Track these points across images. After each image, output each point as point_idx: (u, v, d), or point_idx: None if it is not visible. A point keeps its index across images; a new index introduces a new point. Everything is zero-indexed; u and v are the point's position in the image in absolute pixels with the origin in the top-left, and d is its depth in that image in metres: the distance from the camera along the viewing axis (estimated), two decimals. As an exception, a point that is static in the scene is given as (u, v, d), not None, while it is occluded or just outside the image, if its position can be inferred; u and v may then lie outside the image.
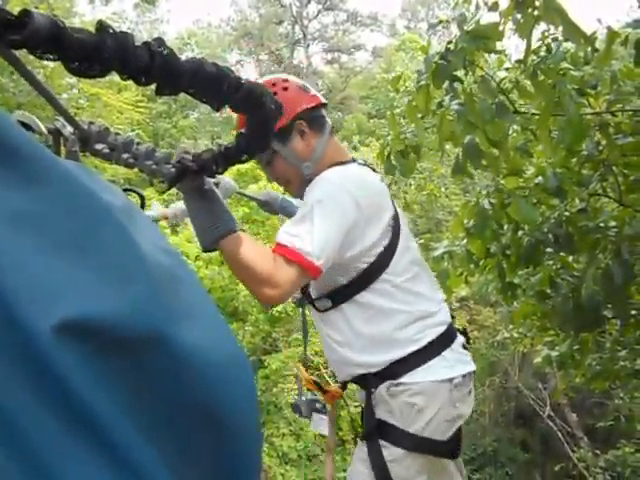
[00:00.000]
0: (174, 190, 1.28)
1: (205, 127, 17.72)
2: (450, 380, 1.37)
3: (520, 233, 2.55)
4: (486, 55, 2.22)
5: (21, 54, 0.66)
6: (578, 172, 2.44)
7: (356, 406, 3.91)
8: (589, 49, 2.07)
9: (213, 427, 0.53)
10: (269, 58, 24.04)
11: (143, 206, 1.27)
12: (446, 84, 2.19)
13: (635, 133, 2.20)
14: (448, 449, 1.39)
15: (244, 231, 1.31)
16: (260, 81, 1.40)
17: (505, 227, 2.62)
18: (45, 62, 6.42)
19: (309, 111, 1.48)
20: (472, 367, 1.46)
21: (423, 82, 2.21)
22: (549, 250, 2.56)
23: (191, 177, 1.22)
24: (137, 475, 0.43)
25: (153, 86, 0.69)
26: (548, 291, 2.66)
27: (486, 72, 2.20)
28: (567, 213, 2.45)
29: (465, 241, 2.72)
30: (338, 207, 1.32)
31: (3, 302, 0.40)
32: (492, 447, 8.62)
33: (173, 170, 1.22)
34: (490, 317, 8.47)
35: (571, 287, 2.50)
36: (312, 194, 1.35)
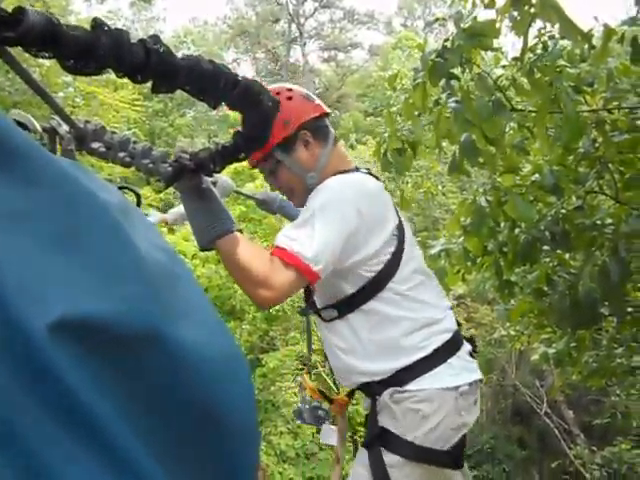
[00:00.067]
0: (171, 189, 1.27)
1: (202, 125, 17.68)
2: (456, 388, 1.36)
3: (517, 231, 2.56)
4: (483, 53, 2.22)
5: (17, 52, 0.65)
6: (574, 170, 2.45)
7: (354, 404, 3.92)
8: (586, 47, 2.07)
9: (211, 426, 0.52)
10: (266, 56, 24.03)
11: (139, 204, 1.27)
12: (443, 82, 2.19)
13: (631, 130, 2.21)
14: (450, 459, 1.38)
15: (241, 231, 1.31)
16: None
17: (502, 225, 2.62)
18: (41, 60, 6.40)
19: (313, 121, 1.47)
20: (478, 375, 1.45)
21: (420, 80, 2.20)
22: (546, 248, 2.57)
23: (188, 176, 1.21)
24: (137, 476, 0.43)
25: (149, 84, 0.69)
26: (545, 289, 2.66)
27: (483, 70, 2.20)
28: (564, 211, 2.45)
29: (462, 239, 2.72)
30: (339, 213, 1.32)
31: (0, 301, 0.40)
32: (489, 444, 8.64)
33: (170, 169, 1.21)
34: (487, 315, 8.48)
35: (568, 285, 2.50)
36: (314, 200, 1.35)
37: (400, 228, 1.45)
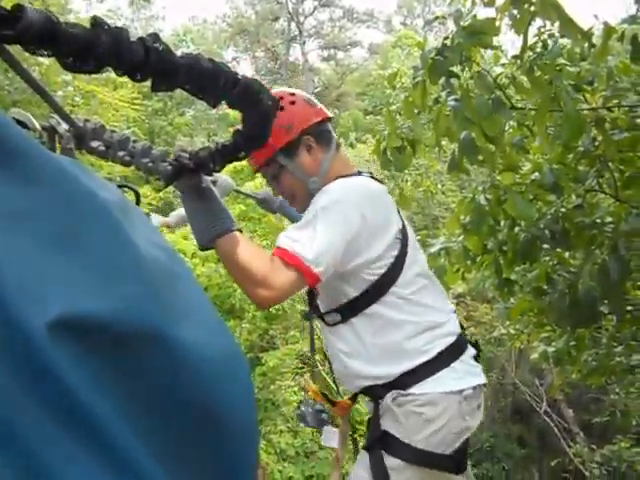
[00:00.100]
0: (170, 188, 1.27)
1: (201, 124, 17.66)
2: (460, 392, 1.36)
3: (517, 229, 2.56)
4: (482, 51, 2.22)
5: (16, 51, 0.65)
6: (574, 168, 2.45)
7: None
8: (585, 45, 2.07)
9: (211, 425, 0.52)
10: (265, 55, 24.02)
11: (138, 202, 1.27)
12: (442, 80, 2.19)
13: (631, 129, 2.21)
14: (453, 463, 1.37)
15: (241, 230, 1.31)
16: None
17: (502, 223, 2.62)
18: (40, 59, 6.39)
19: (316, 126, 1.47)
20: (482, 380, 1.45)
21: (419, 78, 2.20)
22: (546, 246, 2.57)
23: (188, 175, 1.21)
24: (137, 476, 0.43)
25: (149, 83, 0.69)
26: (545, 287, 2.66)
27: (482, 68, 2.20)
28: (563, 209, 2.45)
29: (462, 237, 2.72)
30: (342, 216, 1.32)
31: (0, 301, 0.40)
32: (489, 443, 8.64)
33: (170, 168, 1.21)
34: (487, 313, 8.47)
35: (567, 283, 2.50)
36: (318, 202, 1.35)
37: (403, 232, 1.44)
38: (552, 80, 2.05)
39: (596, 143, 2.29)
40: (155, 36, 0.65)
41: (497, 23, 1.96)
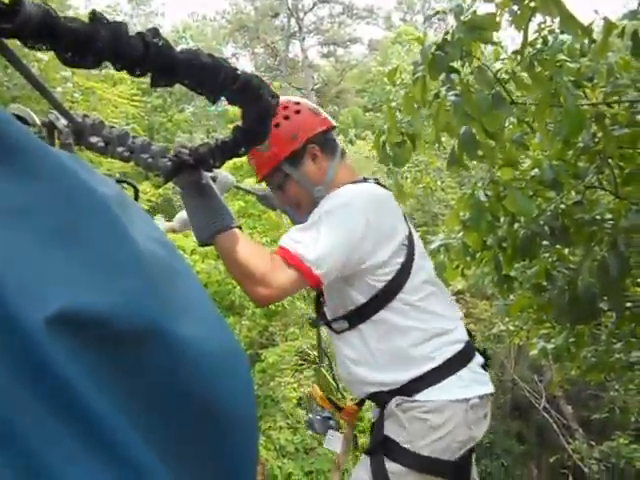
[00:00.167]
0: (170, 185, 1.27)
1: (201, 121, 17.62)
2: (467, 400, 1.35)
3: (516, 225, 2.55)
4: (482, 46, 2.21)
5: (16, 47, 0.65)
6: (574, 164, 2.44)
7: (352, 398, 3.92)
8: (586, 41, 2.06)
9: (211, 422, 0.52)
10: (265, 51, 23.97)
11: (137, 198, 1.27)
12: (443, 75, 2.18)
13: (631, 125, 2.20)
14: (454, 471, 1.36)
15: (241, 228, 1.31)
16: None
17: (501, 219, 2.62)
18: (39, 55, 6.37)
19: (321, 134, 1.47)
20: (490, 389, 1.44)
21: (419, 73, 2.19)
22: (545, 243, 2.56)
23: (188, 171, 1.21)
24: (137, 472, 0.43)
25: (148, 79, 0.69)
26: (544, 284, 2.66)
27: (483, 63, 2.19)
28: (563, 205, 2.45)
29: (461, 234, 2.72)
30: (347, 221, 1.32)
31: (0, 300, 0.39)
32: (488, 439, 8.64)
33: (169, 164, 1.21)
34: (486, 310, 8.47)
35: (567, 280, 2.50)
36: (323, 206, 1.36)
37: (410, 239, 1.44)
38: (552, 76, 2.05)
39: (596, 139, 2.29)
40: (154, 31, 0.65)
41: (497, 19, 1.96)
